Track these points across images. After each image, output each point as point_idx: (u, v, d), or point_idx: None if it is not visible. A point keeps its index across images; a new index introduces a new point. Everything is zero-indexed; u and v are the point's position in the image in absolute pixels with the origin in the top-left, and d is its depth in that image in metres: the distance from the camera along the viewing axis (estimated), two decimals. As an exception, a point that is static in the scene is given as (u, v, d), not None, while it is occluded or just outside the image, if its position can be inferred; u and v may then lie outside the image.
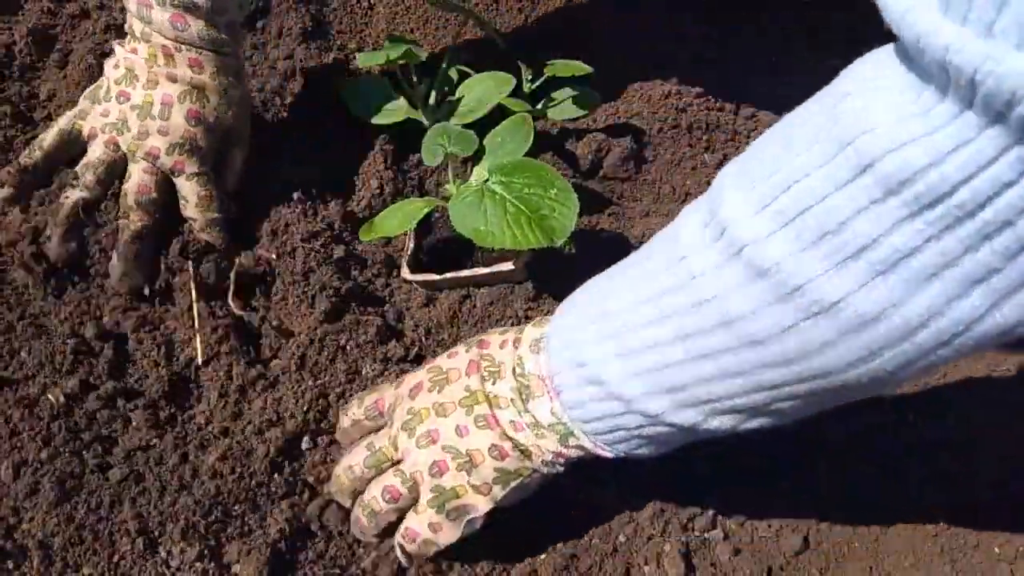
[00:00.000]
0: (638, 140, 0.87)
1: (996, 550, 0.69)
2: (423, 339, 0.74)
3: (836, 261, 0.37)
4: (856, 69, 0.38)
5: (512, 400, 0.54)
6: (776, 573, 0.67)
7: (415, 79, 0.81)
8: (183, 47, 0.68)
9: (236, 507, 0.62)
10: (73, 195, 0.68)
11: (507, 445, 0.54)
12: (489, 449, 0.55)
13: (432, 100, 0.83)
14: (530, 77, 0.84)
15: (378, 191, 0.80)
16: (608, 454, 0.54)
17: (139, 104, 0.68)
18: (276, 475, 0.64)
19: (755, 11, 0.95)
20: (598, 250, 0.81)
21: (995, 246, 0.34)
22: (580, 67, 0.81)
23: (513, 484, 0.56)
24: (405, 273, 0.76)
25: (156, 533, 0.60)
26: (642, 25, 0.93)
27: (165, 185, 0.70)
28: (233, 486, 0.63)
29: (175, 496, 0.62)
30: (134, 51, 0.69)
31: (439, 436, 0.56)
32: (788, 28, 0.92)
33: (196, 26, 0.67)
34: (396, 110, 0.82)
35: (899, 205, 0.35)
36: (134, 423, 0.64)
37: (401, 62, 0.78)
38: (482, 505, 0.56)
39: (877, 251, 0.36)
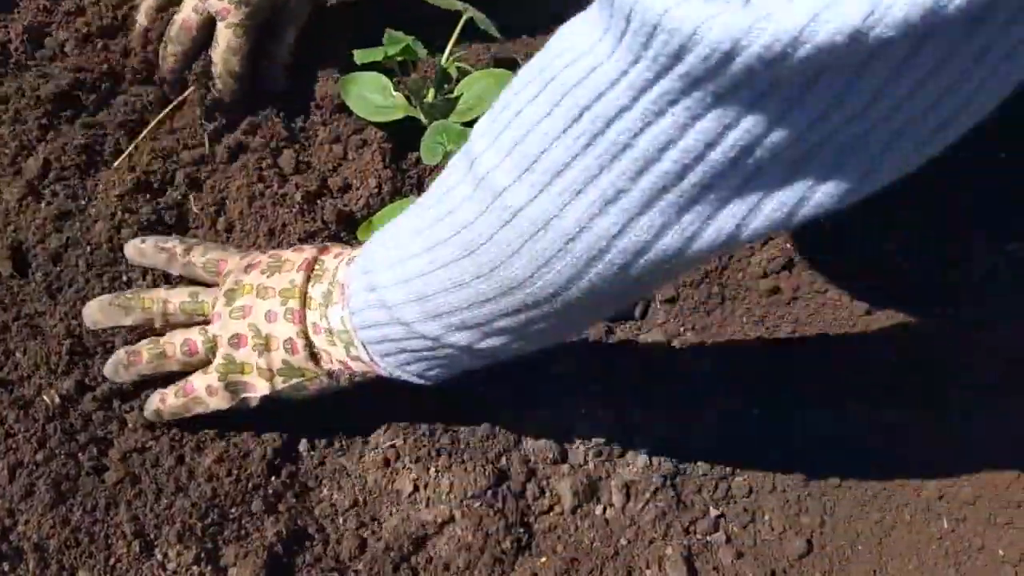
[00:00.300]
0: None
1: (1001, 552, 0.68)
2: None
3: (519, 172, 0.42)
4: None
5: (319, 304, 0.58)
6: (779, 576, 0.66)
7: (413, 76, 0.80)
8: None
9: (233, 510, 0.62)
10: (140, 18, 0.78)
11: (300, 343, 0.58)
12: (285, 341, 0.58)
13: (431, 98, 0.82)
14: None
15: (376, 190, 0.79)
16: (383, 371, 0.57)
17: None
18: (273, 478, 0.64)
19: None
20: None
21: (621, 167, 0.38)
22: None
23: (294, 381, 0.59)
24: None
25: (152, 536, 0.60)
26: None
27: (207, 30, 0.76)
28: (230, 489, 0.62)
29: (171, 499, 0.61)
30: None
31: (250, 313, 0.59)
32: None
33: None
34: (394, 108, 0.81)
35: (557, 118, 0.39)
36: (130, 425, 0.64)
37: (399, 59, 0.78)
38: (260, 388, 0.59)
39: (542, 163, 0.40)
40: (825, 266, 0.81)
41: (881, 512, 0.70)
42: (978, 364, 0.77)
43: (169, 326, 0.63)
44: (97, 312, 0.63)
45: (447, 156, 0.73)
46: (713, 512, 0.68)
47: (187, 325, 0.62)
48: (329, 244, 0.62)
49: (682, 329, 0.78)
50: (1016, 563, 0.67)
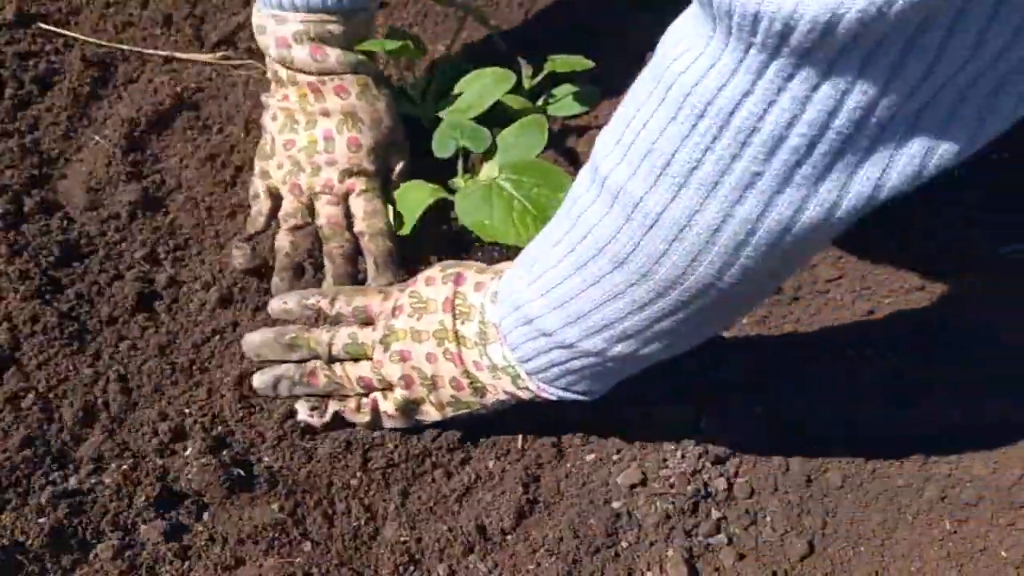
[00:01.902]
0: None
1: (1003, 554, 0.68)
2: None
3: (654, 178, 0.44)
4: None
5: (476, 343, 0.60)
6: (780, 578, 0.66)
7: (413, 73, 0.80)
8: (327, 79, 0.73)
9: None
10: (282, 244, 0.74)
11: (465, 381, 0.62)
12: (450, 380, 0.62)
13: (430, 96, 0.82)
14: (530, 73, 0.83)
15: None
16: (550, 396, 0.60)
17: (305, 145, 0.74)
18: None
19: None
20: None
21: (752, 151, 0.40)
22: (581, 62, 0.80)
23: (463, 411, 0.64)
24: None
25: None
26: (644, 21, 0.92)
27: (348, 216, 0.75)
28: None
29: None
30: (285, 98, 0.75)
31: (410, 357, 0.63)
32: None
33: (334, 54, 0.73)
34: None
35: (683, 121, 0.42)
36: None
37: (398, 56, 0.77)
38: (434, 415, 0.65)
39: (675, 165, 0.43)
40: (826, 266, 0.81)
41: (883, 514, 0.69)
42: (979, 364, 0.77)
43: (332, 360, 0.67)
44: (261, 347, 0.67)
45: (459, 151, 0.74)
46: (715, 514, 0.67)
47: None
48: (460, 270, 0.64)
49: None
50: (1019, 565, 0.67)
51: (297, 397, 0.67)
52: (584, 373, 0.57)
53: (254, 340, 0.67)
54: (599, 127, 0.85)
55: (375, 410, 0.66)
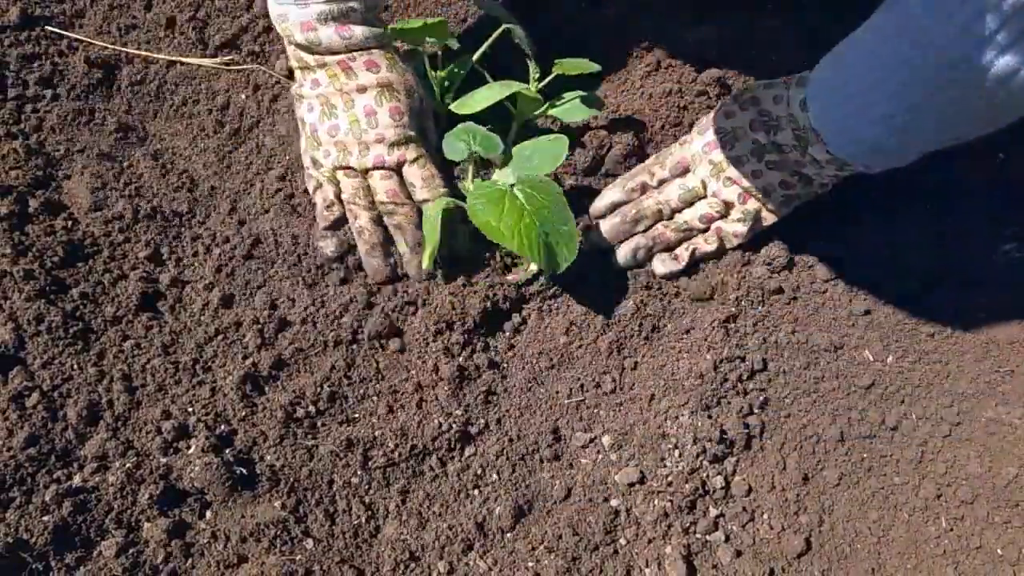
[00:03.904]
0: (640, 137, 0.87)
1: (999, 552, 0.68)
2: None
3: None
4: None
5: (795, 146, 0.73)
6: (778, 575, 0.66)
7: (438, 65, 0.81)
8: (356, 55, 0.75)
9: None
10: (361, 225, 0.75)
11: (794, 179, 0.75)
12: (780, 184, 0.76)
13: (450, 92, 0.83)
14: (538, 75, 0.83)
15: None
16: (864, 171, 0.71)
17: (348, 127, 0.75)
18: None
19: (753, 12, 0.95)
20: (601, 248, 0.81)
21: None
22: (588, 65, 0.80)
23: (795, 204, 0.78)
24: None
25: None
26: (643, 24, 0.92)
27: (402, 178, 0.77)
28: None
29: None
30: (316, 83, 0.75)
31: (739, 180, 0.76)
32: (786, 29, 0.92)
33: (359, 30, 0.74)
34: None
35: None
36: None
37: (432, 40, 0.79)
38: (772, 218, 0.78)
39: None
40: (825, 266, 0.81)
41: (879, 511, 0.70)
42: (978, 363, 0.77)
43: (673, 211, 0.80)
44: (613, 231, 0.79)
45: (471, 155, 0.75)
46: (713, 511, 0.68)
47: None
48: (751, 94, 0.76)
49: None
50: (1015, 562, 0.67)
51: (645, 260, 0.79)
52: (879, 159, 0.68)
53: (607, 228, 0.79)
54: (600, 126, 0.87)
55: (719, 235, 0.78)
